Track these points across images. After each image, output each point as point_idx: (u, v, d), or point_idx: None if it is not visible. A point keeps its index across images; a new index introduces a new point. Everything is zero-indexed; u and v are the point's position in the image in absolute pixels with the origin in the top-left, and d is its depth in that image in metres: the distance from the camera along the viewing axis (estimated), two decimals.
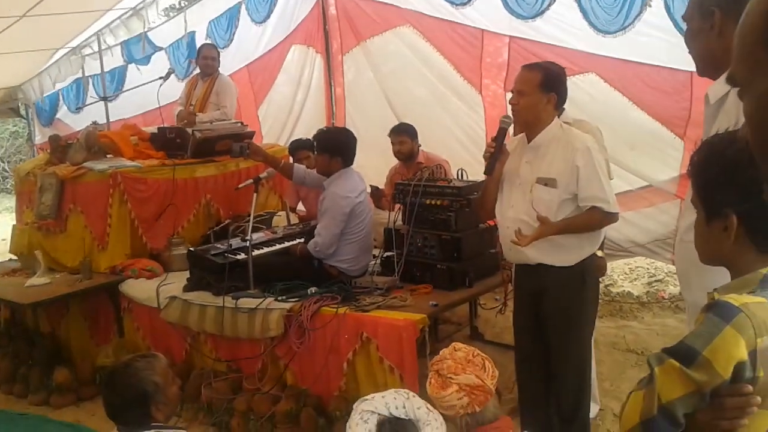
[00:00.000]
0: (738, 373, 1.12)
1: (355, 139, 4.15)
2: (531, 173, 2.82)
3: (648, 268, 5.88)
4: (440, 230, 3.75)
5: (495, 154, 2.84)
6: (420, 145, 4.80)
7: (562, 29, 4.60)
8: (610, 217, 2.82)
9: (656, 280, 5.68)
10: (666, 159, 4.44)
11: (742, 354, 1.12)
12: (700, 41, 2.00)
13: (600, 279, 3.16)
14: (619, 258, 5.12)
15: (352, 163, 4.08)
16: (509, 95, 4.96)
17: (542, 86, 2.77)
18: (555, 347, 2.90)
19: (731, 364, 1.11)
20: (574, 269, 2.83)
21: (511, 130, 3.00)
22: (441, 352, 2.19)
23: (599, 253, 2.98)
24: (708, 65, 2.03)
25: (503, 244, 3.02)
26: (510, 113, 2.92)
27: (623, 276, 5.87)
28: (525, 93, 2.79)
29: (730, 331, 1.12)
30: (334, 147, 4.00)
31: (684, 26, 3.84)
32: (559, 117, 2.90)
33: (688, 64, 3.96)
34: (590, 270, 2.90)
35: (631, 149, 4.50)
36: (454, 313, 4.85)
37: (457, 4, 5.06)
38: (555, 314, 2.86)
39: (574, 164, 2.73)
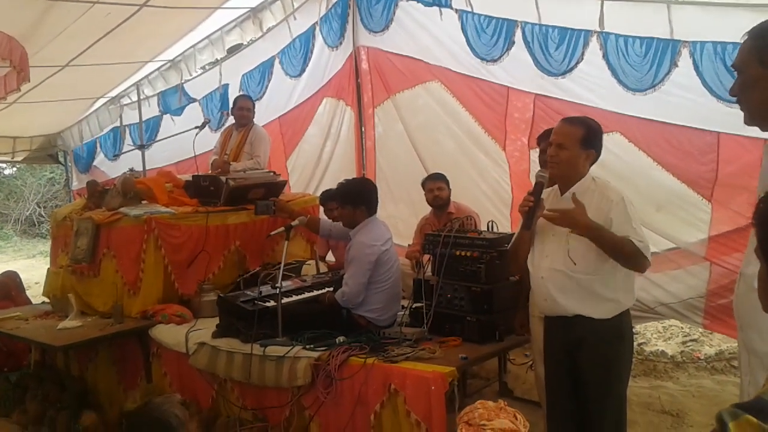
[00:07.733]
0: None
1: (375, 187, 4.18)
2: None
3: (682, 327, 5.75)
4: (470, 282, 3.73)
5: (533, 208, 2.82)
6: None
7: (587, 88, 4.61)
8: (642, 257, 2.72)
9: (691, 340, 5.54)
10: (693, 221, 4.35)
11: None
12: (759, 90, 1.89)
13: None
14: (648, 320, 4.98)
15: (375, 212, 4.11)
16: (534, 152, 5.07)
17: (583, 142, 2.79)
18: (591, 403, 2.84)
19: None
20: (612, 322, 2.79)
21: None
22: (469, 407, 2.16)
23: None
24: (765, 114, 1.92)
25: (537, 295, 2.99)
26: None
27: (657, 335, 5.75)
28: (565, 147, 2.79)
29: None
30: (357, 197, 4.07)
31: (713, 84, 3.91)
32: None
33: (716, 124, 4.02)
34: (628, 325, 2.87)
35: (657, 210, 4.42)
36: (483, 368, 4.79)
37: (487, 61, 5.15)
38: (591, 368, 2.81)
39: (608, 216, 2.73)
